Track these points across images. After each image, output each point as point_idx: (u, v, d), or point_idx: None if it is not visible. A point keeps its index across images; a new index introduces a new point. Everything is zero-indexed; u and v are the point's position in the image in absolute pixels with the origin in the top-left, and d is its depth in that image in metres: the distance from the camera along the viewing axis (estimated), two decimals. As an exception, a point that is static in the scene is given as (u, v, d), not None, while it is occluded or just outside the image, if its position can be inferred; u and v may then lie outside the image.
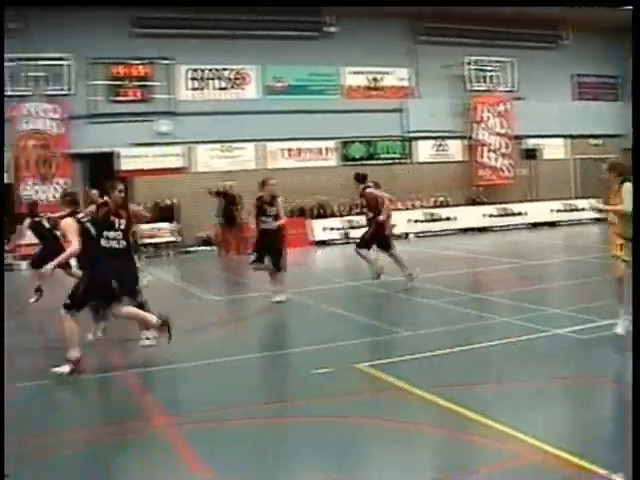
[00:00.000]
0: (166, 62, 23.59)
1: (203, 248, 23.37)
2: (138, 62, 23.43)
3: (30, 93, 22.52)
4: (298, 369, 7.92)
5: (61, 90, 22.82)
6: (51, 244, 13.48)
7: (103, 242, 8.60)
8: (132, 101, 23.41)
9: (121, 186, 9.21)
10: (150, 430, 6.06)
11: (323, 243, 23.98)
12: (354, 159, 25.53)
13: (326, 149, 25.38)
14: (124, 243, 8.71)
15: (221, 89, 24.32)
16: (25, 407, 6.92)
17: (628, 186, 7.84)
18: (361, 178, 13.54)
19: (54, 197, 22.58)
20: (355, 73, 25.64)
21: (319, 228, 24.24)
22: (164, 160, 23.50)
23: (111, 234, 8.63)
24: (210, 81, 24.26)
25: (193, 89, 24.12)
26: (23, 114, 22.51)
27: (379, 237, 13.22)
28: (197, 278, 18.27)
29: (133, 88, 23.46)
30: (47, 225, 14.45)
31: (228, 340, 9.88)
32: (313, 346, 8.81)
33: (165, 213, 23.18)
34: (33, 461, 5.47)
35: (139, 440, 5.89)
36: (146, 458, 5.46)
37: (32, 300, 13.65)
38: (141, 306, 9.10)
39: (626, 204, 7.83)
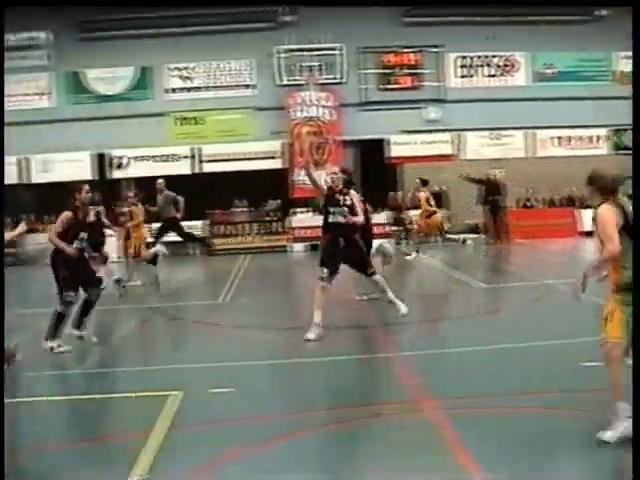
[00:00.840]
0: (435, 50, 23.47)
1: (472, 235, 22.83)
2: (408, 50, 23.46)
3: (304, 82, 23.02)
4: (567, 361, 7.48)
5: (333, 79, 23.25)
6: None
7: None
8: (402, 89, 23.46)
9: (87, 187, 9.60)
10: (415, 412, 6.02)
11: (592, 234, 22.86)
12: (626, 148, 24.26)
13: (597, 137, 24.32)
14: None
15: (490, 76, 23.89)
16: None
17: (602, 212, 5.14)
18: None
19: (325, 182, 22.87)
20: (628, 58, 24.44)
21: (588, 218, 23.13)
22: (433, 147, 23.31)
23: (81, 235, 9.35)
24: (479, 68, 23.90)
25: (462, 76, 23.84)
26: (297, 102, 23.02)
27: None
28: (465, 265, 17.83)
29: (403, 76, 23.50)
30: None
31: (494, 328, 9.80)
32: (582, 338, 8.34)
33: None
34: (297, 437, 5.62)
35: (402, 421, 5.85)
36: (409, 440, 5.35)
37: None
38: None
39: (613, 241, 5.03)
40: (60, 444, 5.74)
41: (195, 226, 22.94)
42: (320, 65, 23.16)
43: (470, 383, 6.80)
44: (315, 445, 5.52)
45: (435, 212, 18.62)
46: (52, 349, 9.16)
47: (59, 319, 9.27)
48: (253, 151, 22.99)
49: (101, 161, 23.30)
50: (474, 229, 23.06)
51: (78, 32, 23.21)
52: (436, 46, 23.41)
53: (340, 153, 23.06)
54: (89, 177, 22.80)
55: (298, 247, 22.30)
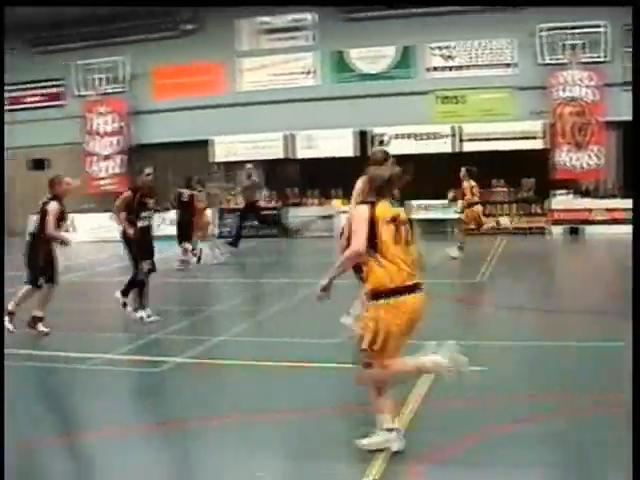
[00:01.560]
0: None
1: None
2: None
3: (567, 61, 22.94)
4: None
5: (597, 57, 22.96)
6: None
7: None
8: (669, 67, 22.91)
9: (149, 169, 10.24)
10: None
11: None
12: None
13: None
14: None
15: None
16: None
17: None
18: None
19: (587, 164, 22.99)
20: None
21: None
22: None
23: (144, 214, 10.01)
24: None
25: None
26: (559, 82, 23.01)
27: None
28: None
29: (671, 54, 22.92)
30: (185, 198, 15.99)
31: None
32: None
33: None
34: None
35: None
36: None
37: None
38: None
39: None
40: (307, 411, 6.28)
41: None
42: (584, 43, 22.93)
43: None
44: (561, 428, 5.56)
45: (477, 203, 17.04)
46: (142, 319, 9.96)
47: (140, 288, 10.09)
48: (512, 131, 23.23)
49: (363, 138, 24.22)
50: None
51: (342, 12, 23.98)
52: None
53: (603, 134, 22.94)
54: (351, 154, 23.90)
55: (557, 230, 22.54)
